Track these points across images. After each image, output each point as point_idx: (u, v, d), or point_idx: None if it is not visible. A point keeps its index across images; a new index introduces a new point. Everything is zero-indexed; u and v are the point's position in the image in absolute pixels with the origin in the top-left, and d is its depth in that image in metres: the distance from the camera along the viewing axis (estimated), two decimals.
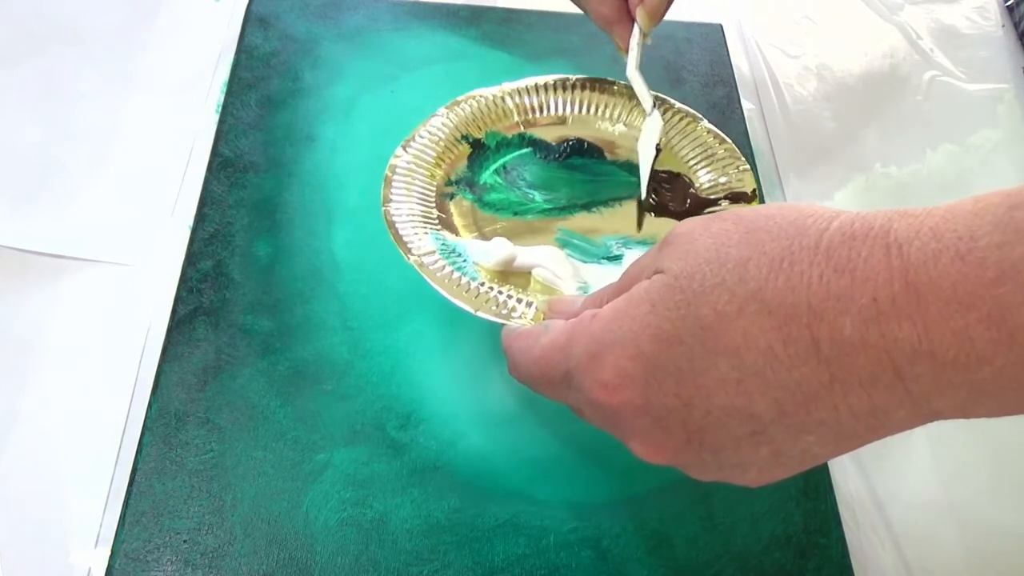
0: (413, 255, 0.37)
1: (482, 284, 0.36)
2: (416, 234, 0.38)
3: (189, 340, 0.40)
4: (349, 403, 0.39)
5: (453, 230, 0.40)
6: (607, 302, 0.28)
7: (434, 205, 0.40)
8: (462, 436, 0.38)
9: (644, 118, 0.44)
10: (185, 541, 0.35)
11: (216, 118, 0.49)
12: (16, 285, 0.42)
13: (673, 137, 0.44)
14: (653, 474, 0.38)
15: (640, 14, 0.42)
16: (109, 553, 0.34)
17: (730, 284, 0.23)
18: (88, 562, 0.35)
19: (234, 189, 0.45)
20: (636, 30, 0.43)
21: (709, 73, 0.54)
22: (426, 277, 0.36)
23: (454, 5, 0.56)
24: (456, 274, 0.36)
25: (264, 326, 0.41)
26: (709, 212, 0.40)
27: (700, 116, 0.44)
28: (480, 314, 0.35)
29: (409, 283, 0.43)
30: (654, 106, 0.43)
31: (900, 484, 0.40)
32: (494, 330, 0.41)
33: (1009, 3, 0.63)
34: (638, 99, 0.44)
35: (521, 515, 0.36)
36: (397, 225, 0.38)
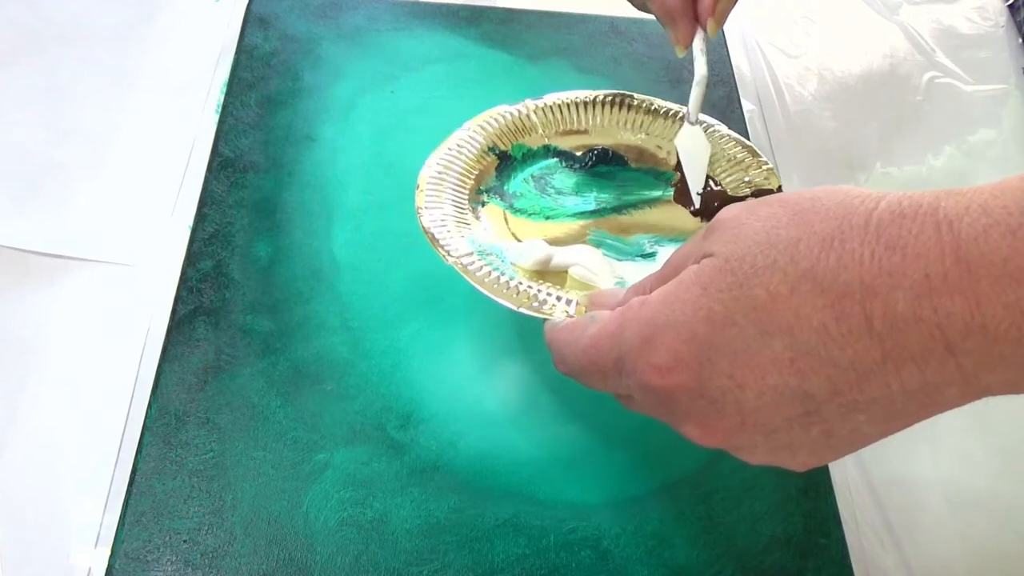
0: (452, 257, 0.37)
1: (521, 283, 0.36)
2: (452, 237, 0.38)
3: (189, 340, 0.40)
4: (349, 403, 0.39)
5: (487, 235, 0.40)
6: (651, 290, 0.28)
7: (467, 210, 0.41)
8: (462, 436, 0.38)
9: (668, 127, 0.45)
10: (185, 541, 0.35)
11: (216, 118, 0.49)
12: (16, 285, 0.42)
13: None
14: (653, 474, 0.38)
15: (710, 24, 0.42)
16: (109, 553, 0.34)
17: (781, 264, 0.24)
18: (88, 562, 0.35)
19: (234, 189, 0.45)
20: (700, 36, 0.43)
21: (709, 73, 0.54)
22: (467, 277, 0.36)
23: (454, 5, 0.56)
24: (495, 273, 0.37)
25: (264, 326, 0.41)
26: None
27: (716, 122, 0.44)
28: (522, 310, 0.35)
29: (409, 283, 0.43)
30: (697, 121, 0.43)
31: (900, 484, 0.40)
32: (494, 330, 0.42)
33: (1010, 3, 0.62)
34: (661, 111, 0.45)
35: (521, 515, 0.36)
36: (433, 230, 0.38)
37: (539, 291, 0.36)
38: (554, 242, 0.40)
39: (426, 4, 0.56)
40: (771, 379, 0.24)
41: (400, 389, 0.39)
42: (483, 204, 0.42)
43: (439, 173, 0.41)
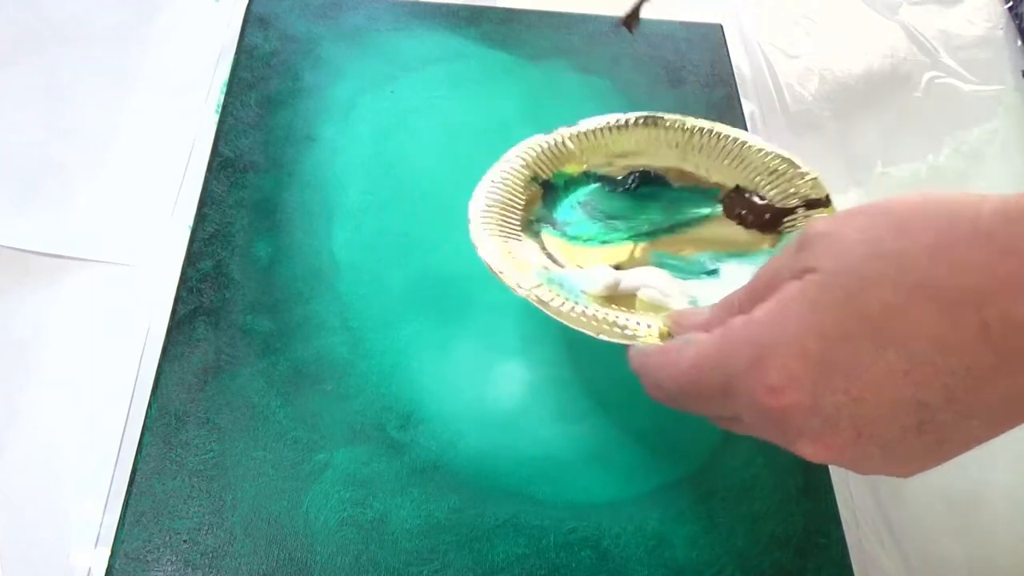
0: (524, 289, 0.36)
1: (597, 310, 0.36)
2: (517, 268, 0.37)
3: (189, 340, 0.40)
4: (349, 403, 0.39)
5: (553, 261, 0.39)
6: (740, 309, 0.28)
7: (523, 241, 0.40)
8: (462, 436, 0.38)
9: (704, 147, 0.44)
10: (185, 541, 0.35)
11: (216, 118, 0.49)
12: (16, 285, 0.42)
13: (728, 161, 0.43)
14: (653, 474, 0.38)
15: None
16: (109, 553, 0.34)
17: (891, 276, 0.24)
18: (88, 562, 0.35)
19: (234, 189, 0.45)
20: None
21: (709, 73, 0.54)
22: (543, 309, 0.35)
23: (454, 5, 0.56)
24: (570, 303, 0.36)
25: (264, 326, 0.41)
26: (788, 221, 0.40)
27: (747, 135, 0.44)
28: (602, 337, 0.34)
29: (409, 283, 0.43)
30: None
31: (901, 484, 0.40)
32: (494, 330, 0.42)
33: (1010, 4, 0.63)
34: (695, 129, 0.44)
35: (521, 515, 0.36)
36: (496, 262, 0.37)
37: (617, 317, 0.35)
38: (616, 267, 0.39)
39: (426, 4, 0.56)
40: (887, 392, 0.24)
41: (400, 389, 0.39)
42: (537, 233, 0.41)
43: (488, 206, 0.40)
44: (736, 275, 0.39)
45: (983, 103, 0.57)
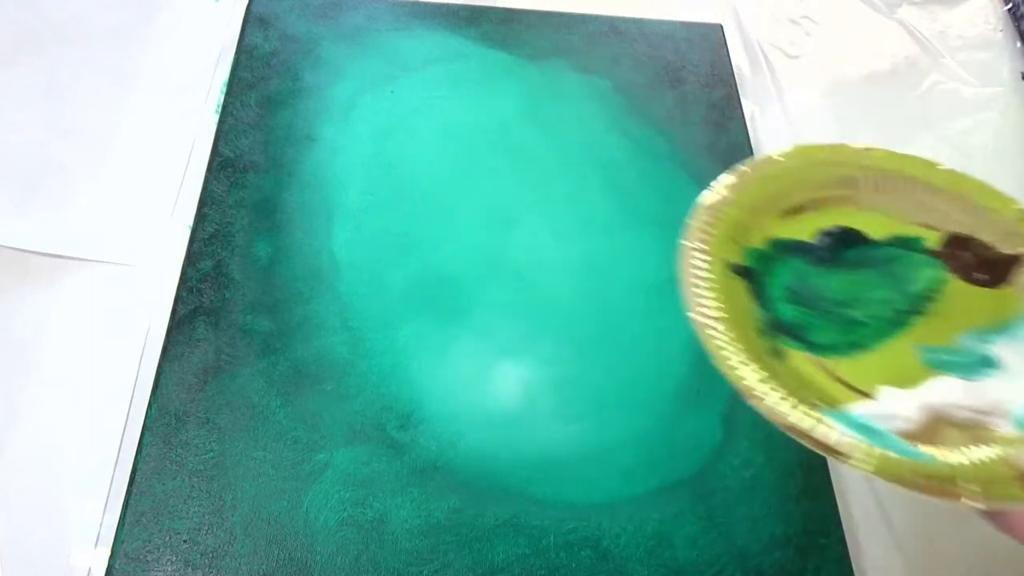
0: (853, 457, 0.27)
1: (934, 456, 0.29)
2: (809, 417, 0.29)
3: (189, 340, 0.40)
4: (349, 403, 0.39)
5: (824, 398, 0.31)
6: None
7: (776, 369, 0.31)
8: (462, 436, 0.38)
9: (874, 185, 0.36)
10: (185, 541, 0.35)
11: (216, 118, 0.49)
12: (16, 285, 0.42)
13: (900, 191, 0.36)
14: (653, 474, 0.38)
15: None
16: (109, 553, 0.34)
17: None
18: (88, 562, 0.35)
19: (234, 189, 0.45)
20: None
21: (709, 73, 0.54)
22: (895, 484, 0.27)
23: (454, 5, 0.56)
24: (904, 458, 0.28)
25: (264, 326, 0.41)
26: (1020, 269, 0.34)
27: (934, 160, 0.36)
28: (971, 504, 0.26)
29: (409, 283, 0.43)
30: None
31: None
32: (494, 330, 0.42)
33: (1010, 6, 0.63)
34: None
35: (521, 515, 0.36)
36: (790, 418, 0.29)
37: (968, 462, 0.28)
38: (886, 376, 0.32)
39: (426, 4, 0.56)
40: None
41: (400, 389, 0.39)
42: (777, 352, 0.32)
43: (719, 332, 0.31)
44: (1019, 361, 0.32)
45: (982, 104, 0.57)
